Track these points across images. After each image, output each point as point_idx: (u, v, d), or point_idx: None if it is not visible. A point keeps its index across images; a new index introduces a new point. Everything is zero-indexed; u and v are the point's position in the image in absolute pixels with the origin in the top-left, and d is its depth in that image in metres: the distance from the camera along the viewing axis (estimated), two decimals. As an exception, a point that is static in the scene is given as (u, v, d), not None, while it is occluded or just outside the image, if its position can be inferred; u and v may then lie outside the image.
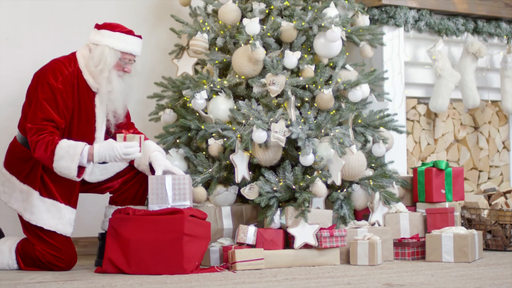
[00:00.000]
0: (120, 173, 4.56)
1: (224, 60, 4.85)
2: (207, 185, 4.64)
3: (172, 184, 4.26)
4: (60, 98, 4.24)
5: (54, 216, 4.31)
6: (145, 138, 4.51)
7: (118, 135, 4.26)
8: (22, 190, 4.33)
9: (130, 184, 4.56)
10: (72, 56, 4.36)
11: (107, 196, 4.67)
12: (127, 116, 4.58)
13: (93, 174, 4.48)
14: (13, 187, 4.35)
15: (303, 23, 4.76)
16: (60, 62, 4.31)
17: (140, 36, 4.42)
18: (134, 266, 4.12)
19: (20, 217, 4.37)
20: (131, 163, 4.55)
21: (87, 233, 5.04)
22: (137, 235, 4.14)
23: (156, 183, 4.26)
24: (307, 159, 4.52)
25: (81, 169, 4.18)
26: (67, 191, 4.36)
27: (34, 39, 5.05)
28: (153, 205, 4.25)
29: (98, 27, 4.39)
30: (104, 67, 4.31)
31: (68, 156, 4.13)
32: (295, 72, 4.80)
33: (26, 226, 4.35)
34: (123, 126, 4.52)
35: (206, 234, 4.23)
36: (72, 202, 4.38)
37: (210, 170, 4.62)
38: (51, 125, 4.20)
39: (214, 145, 4.64)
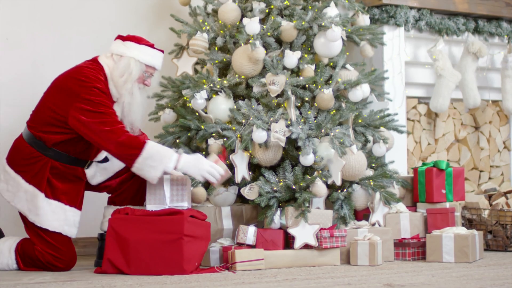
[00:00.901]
0: (118, 172, 4.56)
1: (224, 59, 4.85)
2: (207, 185, 4.62)
3: (170, 185, 4.25)
4: (109, 101, 4.28)
5: (59, 218, 4.30)
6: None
7: (212, 155, 4.35)
8: (27, 190, 4.31)
9: (129, 184, 4.55)
10: (98, 65, 4.35)
11: (105, 196, 4.66)
12: None
13: (95, 177, 4.48)
14: (18, 187, 4.33)
15: (303, 23, 4.75)
16: (93, 69, 4.31)
17: (162, 51, 4.46)
18: (134, 267, 4.11)
19: (21, 214, 4.35)
20: None
21: (87, 234, 5.02)
22: (136, 235, 4.13)
23: (154, 183, 4.25)
24: (307, 159, 4.51)
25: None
26: (72, 193, 4.35)
27: (33, 39, 5.04)
28: (151, 205, 4.24)
29: (123, 38, 4.40)
30: (129, 79, 4.33)
31: (158, 156, 4.15)
32: (295, 71, 4.79)
33: (28, 224, 4.34)
34: None
35: (206, 235, 4.22)
36: (77, 204, 4.37)
37: (210, 170, 4.61)
38: (123, 125, 4.24)
39: (214, 145, 4.62)
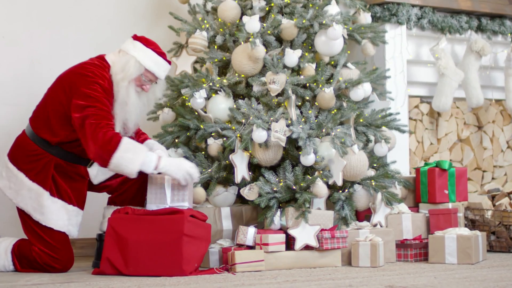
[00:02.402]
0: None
1: (224, 58, 4.83)
2: (206, 185, 4.61)
3: (171, 184, 4.23)
4: (108, 99, 4.24)
5: (63, 217, 4.29)
6: (147, 138, 4.51)
7: None
8: (30, 188, 4.28)
9: (129, 184, 4.53)
10: (104, 62, 4.33)
11: (105, 196, 4.64)
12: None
13: (97, 176, 4.46)
14: (21, 184, 4.30)
15: (304, 21, 4.73)
16: (99, 66, 4.29)
17: (169, 62, 4.42)
18: (132, 267, 4.09)
19: (20, 212, 4.32)
20: None
21: (85, 234, 4.99)
22: (136, 235, 4.11)
23: (155, 183, 4.25)
24: (308, 159, 4.49)
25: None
26: (76, 193, 4.35)
27: (30, 37, 5.03)
28: (151, 204, 4.24)
29: (135, 37, 4.39)
30: (125, 76, 4.30)
31: (136, 149, 4.14)
32: (296, 70, 4.78)
33: (26, 222, 4.31)
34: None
35: (206, 236, 4.20)
36: (80, 204, 4.37)
37: (209, 170, 4.60)
38: (112, 123, 4.19)
39: (214, 145, 4.61)
